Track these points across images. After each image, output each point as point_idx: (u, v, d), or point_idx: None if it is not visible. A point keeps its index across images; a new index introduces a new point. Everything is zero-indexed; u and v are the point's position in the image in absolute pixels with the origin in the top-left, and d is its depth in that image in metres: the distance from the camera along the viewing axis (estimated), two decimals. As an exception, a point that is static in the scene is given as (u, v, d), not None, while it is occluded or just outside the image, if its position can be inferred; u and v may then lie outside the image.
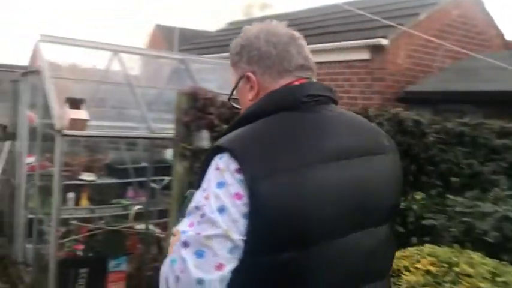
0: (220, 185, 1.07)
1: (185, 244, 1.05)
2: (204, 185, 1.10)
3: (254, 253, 1.05)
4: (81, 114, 3.71)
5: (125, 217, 5.30)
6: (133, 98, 5.04)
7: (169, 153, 6.38)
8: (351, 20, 8.38)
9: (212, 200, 1.06)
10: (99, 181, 5.54)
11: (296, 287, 1.10)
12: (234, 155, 1.07)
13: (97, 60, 5.31)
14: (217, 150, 1.12)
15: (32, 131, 5.21)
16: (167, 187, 5.53)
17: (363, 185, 1.17)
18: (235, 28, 12.70)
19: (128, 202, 5.68)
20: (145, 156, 6.31)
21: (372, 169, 1.20)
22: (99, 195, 5.62)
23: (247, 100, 1.29)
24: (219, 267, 1.03)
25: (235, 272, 1.05)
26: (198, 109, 3.51)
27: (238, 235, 1.04)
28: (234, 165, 1.07)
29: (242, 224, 1.04)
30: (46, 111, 4.31)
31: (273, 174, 1.06)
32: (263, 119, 1.17)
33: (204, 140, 3.48)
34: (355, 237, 1.15)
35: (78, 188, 5.37)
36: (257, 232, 1.04)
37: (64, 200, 4.96)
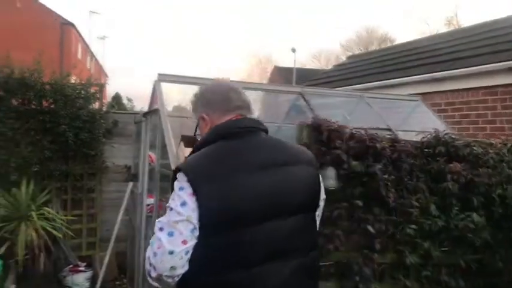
0: (181, 189, 1.62)
1: (160, 229, 1.60)
2: (172, 193, 1.65)
3: (204, 236, 1.58)
4: None
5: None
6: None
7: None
8: (484, 43, 7.43)
9: (176, 199, 1.61)
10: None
11: (234, 259, 1.60)
12: (185, 172, 1.63)
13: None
14: (176, 171, 1.68)
15: (152, 172, 5.17)
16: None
17: (276, 186, 1.68)
18: (353, 62, 12.24)
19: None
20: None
21: (286, 176, 1.72)
22: None
23: (204, 133, 1.86)
24: (184, 242, 1.57)
25: (194, 249, 1.59)
26: (322, 143, 3.07)
27: (195, 220, 1.58)
28: (186, 177, 1.62)
29: (196, 213, 1.58)
30: (164, 151, 4.18)
31: (210, 180, 1.61)
32: (209, 146, 1.73)
33: (329, 178, 3.00)
34: (274, 224, 1.65)
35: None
36: (204, 220, 1.57)
37: None
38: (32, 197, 5.57)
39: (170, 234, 1.58)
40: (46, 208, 5.55)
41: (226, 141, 1.73)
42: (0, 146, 5.54)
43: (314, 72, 15.43)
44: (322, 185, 1.88)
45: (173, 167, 3.73)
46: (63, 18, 29.10)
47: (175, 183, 1.66)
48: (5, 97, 5.54)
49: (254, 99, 5.99)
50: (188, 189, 1.60)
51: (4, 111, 5.54)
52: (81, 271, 5.82)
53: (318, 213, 1.90)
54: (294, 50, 29.73)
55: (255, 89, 5.37)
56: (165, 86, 4.77)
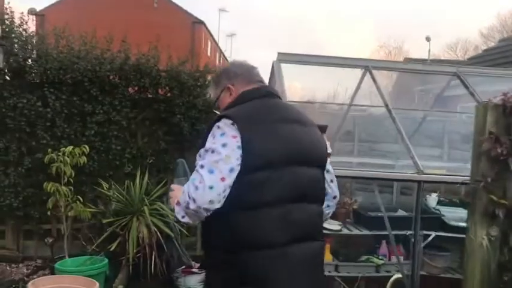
0: (222, 134, 1.83)
1: (201, 166, 1.79)
2: (209, 138, 1.87)
3: (244, 172, 1.77)
4: None
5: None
6: (391, 127, 3.79)
7: (431, 200, 4.98)
8: None
9: (217, 142, 1.81)
10: (345, 231, 4.43)
11: (265, 195, 1.80)
12: (228, 117, 1.85)
13: (343, 80, 4.28)
14: (217, 119, 1.89)
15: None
16: (435, 246, 4.15)
17: (299, 138, 1.93)
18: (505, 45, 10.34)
19: (380, 261, 4.41)
20: (403, 201, 5.01)
21: (307, 132, 1.98)
22: (346, 249, 4.63)
23: (226, 102, 2.10)
24: (223, 179, 1.75)
25: (234, 184, 1.78)
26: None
27: (235, 159, 1.77)
28: (229, 122, 1.84)
29: (238, 152, 1.78)
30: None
31: (251, 126, 1.84)
32: (242, 104, 1.99)
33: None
34: (301, 169, 1.88)
35: (320, 238, 4.38)
36: (245, 159, 1.77)
37: None
38: (146, 191, 5.22)
39: (210, 171, 1.75)
40: (160, 203, 5.15)
41: (259, 100, 1.98)
42: (114, 136, 5.28)
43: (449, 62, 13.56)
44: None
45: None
46: (194, 16, 30.17)
47: (216, 129, 1.85)
48: (119, 84, 5.25)
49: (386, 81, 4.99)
50: (231, 132, 1.80)
51: (119, 100, 5.26)
52: (194, 273, 5.34)
53: (331, 177, 2.10)
54: (428, 39, 27.25)
55: (395, 70, 4.35)
56: (286, 68, 4.01)
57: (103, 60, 5.19)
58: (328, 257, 4.40)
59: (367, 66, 4.03)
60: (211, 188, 1.71)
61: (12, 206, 5.06)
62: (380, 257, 4.50)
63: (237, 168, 1.75)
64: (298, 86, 4.29)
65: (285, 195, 1.81)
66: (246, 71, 2.10)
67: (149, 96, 5.48)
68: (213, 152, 1.77)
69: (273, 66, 3.99)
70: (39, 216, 5.12)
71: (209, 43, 33.47)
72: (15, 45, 4.99)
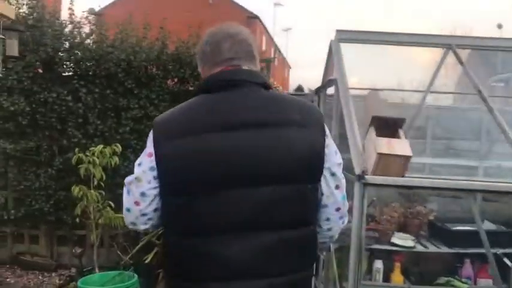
0: (145, 148, 1.53)
1: (126, 184, 1.55)
2: None
3: (163, 195, 1.49)
4: (400, 146, 1.94)
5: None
6: (474, 120, 3.00)
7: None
8: None
9: (139, 158, 1.54)
10: (420, 248, 3.64)
11: (191, 224, 1.46)
12: (153, 128, 1.51)
13: (417, 62, 3.50)
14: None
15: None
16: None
17: (246, 150, 1.42)
18: None
19: (465, 285, 3.62)
20: (488, 210, 4.08)
21: (264, 138, 1.44)
22: (420, 268, 3.85)
23: None
24: (136, 203, 1.51)
25: (159, 209, 1.53)
26: None
27: (146, 183, 1.48)
28: (151, 134, 1.50)
29: (150, 175, 1.47)
30: (342, 141, 2.73)
31: (172, 138, 1.45)
32: (187, 101, 1.58)
33: None
34: (239, 192, 1.42)
35: (389, 255, 3.68)
36: (161, 180, 1.47)
37: (368, 271, 3.58)
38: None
39: (127, 192, 1.55)
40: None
41: (203, 96, 1.53)
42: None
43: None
44: (329, 150, 1.51)
45: (357, 165, 2.24)
46: (249, 11, 29.90)
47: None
48: (157, 76, 4.71)
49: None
50: (149, 149, 1.50)
51: (157, 93, 4.72)
52: None
53: (337, 183, 1.54)
54: (500, 26, 25.22)
55: (493, 48, 3.50)
56: (347, 49, 3.29)
57: (138, 49, 4.68)
58: (398, 279, 3.66)
59: (450, 44, 3.22)
60: (128, 210, 1.55)
61: (43, 210, 4.67)
62: (464, 280, 3.68)
63: (151, 193, 1.49)
64: (362, 70, 3.54)
65: (212, 225, 1.45)
66: (211, 50, 1.56)
67: (190, 88, 4.91)
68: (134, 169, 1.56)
69: (330, 47, 3.28)
70: (72, 222, 4.69)
71: (264, 38, 33.03)
72: (46, 35, 4.56)
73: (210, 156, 1.41)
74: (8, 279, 4.68)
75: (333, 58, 3.24)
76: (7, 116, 4.60)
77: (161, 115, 1.56)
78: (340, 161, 1.54)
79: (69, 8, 4.82)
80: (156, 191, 1.48)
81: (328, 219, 1.57)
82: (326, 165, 1.49)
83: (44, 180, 4.66)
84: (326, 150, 1.48)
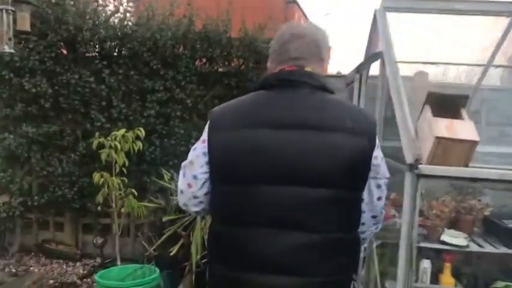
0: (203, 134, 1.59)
1: (181, 167, 1.63)
2: None
3: (211, 180, 1.54)
4: (464, 129, 1.54)
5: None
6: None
7: None
8: None
9: (195, 144, 1.60)
10: (474, 247, 3.20)
11: (231, 213, 1.51)
12: (211, 116, 1.57)
13: (475, 33, 3.03)
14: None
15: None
16: None
17: (288, 149, 1.43)
18: None
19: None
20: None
21: (308, 140, 1.44)
22: (474, 270, 3.41)
23: None
24: (189, 185, 1.57)
25: (209, 193, 1.58)
26: None
27: (198, 167, 1.53)
28: (208, 123, 1.56)
29: (202, 160, 1.52)
30: (390, 123, 2.33)
31: (224, 130, 1.50)
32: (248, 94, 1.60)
33: None
34: (275, 189, 1.44)
35: (438, 255, 3.25)
36: (211, 167, 1.52)
37: (415, 272, 3.07)
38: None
39: (182, 174, 1.60)
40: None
41: (260, 92, 1.55)
42: (178, 117, 4.44)
43: None
44: (378, 162, 1.50)
45: (408, 152, 1.83)
46: (286, -4, 29.24)
47: None
48: (184, 55, 4.39)
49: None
50: (203, 136, 1.56)
51: (183, 74, 4.40)
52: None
53: (379, 194, 1.56)
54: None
55: None
56: (393, 19, 2.86)
57: (164, 27, 4.36)
58: (449, 281, 3.23)
59: (516, 12, 2.73)
60: (181, 192, 1.62)
61: (66, 197, 4.47)
62: (526, 286, 3.21)
63: (203, 177, 1.55)
64: (410, 44, 3.09)
65: (248, 217, 1.49)
66: (279, 48, 1.59)
67: (219, 69, 4.57)
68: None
69: (374, 17, 2.85)
70: (97, 210, 4.46)
71: (302, 22, 32.32)
72: (68, 13, 4.31)
73: (252, 151, 1.46)
74: (31, 267, 4.53)
75: (377, 29, 2.81)
76: (30, 98, 4.40)
77: (219, 106, 1.62)
78: (388, 175, 1.55)
79: None
80: (207, 176, 1.54)
81: (363, 224, 1.58)
82: (372, 175, 1.50)
83: (67, 166, 4.45)
84: (374, 161, 1.48)
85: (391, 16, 2.82)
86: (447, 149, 1.78)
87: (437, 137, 1.79)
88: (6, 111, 4.44)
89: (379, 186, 1.52)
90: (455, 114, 1.95)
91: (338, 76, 4.71)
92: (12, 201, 4.49)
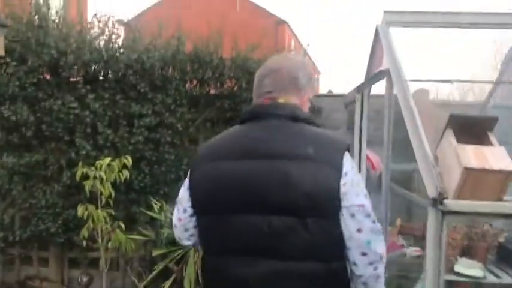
0: None
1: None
2: None
3: (195, 214, 1.61)
4: (495, 157, 1.30)
5: None
6: None
7: None
8: None
9: None
10: (491, 278, 2.94)
11: (210, 243, 1.61)
12: (197, 152, 1.68)
13: (487, 47, 2.79)
14: None
15: (373, 183, 3.13)
16: None
17: (255, 179, 1.48)
18: None
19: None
20: None
21: (273, 170, 1.47)
22: None
23: None
24: (179, 219, 1.66)
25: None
26: None
27: (185, 201, 1.61)
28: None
29: (187, 194, 1.60)
30: (401, 147, 2.09)
31: (200, 164, 1.59)
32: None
33: None
34: (245, 218, 1.49)
35: (450, 286, 2.94)
36: (192, 201, 1.59)
37: None
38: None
39: (176, 209, 1.68)
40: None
41: (237, 126, 1.64)
42: (168, 142, 4.17)
43: None
44: (347, 189, 1.45)
45: (430, 185, 1.58)
46: (277, 17, 29.38)
47: None
48: (173, 78, 4.15)
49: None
50: (189, 171, 1.63)
51: (173, 97, 4.16)
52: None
53: (358, 226, 1.46)
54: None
55: None
56: (397, 34, 2.65)
57: (152, 48, 4.13)
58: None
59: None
60: (175, 226, 1.70)
61: (50, 231, 4.16)
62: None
63: (190, 210, 1.62)
64: (415, 59, 2.86)
65: (219, 246, 1.57)
66: (257, 83, 1.68)
67: (211, 92, 4.34)
68: None
69: (376, 32, 2.63)
70: (83, 243, 4.15)
71: (293, 43, 32.42)
72: (50, 36, 4.06)
73: (223, 181, 1.52)
74: (13, 308, 4.21)
75: (380, 45, 2.59)
76: (10, 126, 4.13)
77: (204, 143, 1.75)
78: (362, 203, 1.47)
79: (94, 15, 4.32)
80: (192, 210, 1.61)
81: (355, 264, 1.50)
82: (344, 204, 1.45)
83: (51, 198, 4.16)
84: (343, 189, 1.44)
85: (393, 31, 2.60)
86: (478, 181, 1.54)
87: (466, 168, 1.53)
88: (-15, 141, 4.17)
89: (352, 216, 1.44)
90: (482, 139, 1.70)
91: (335, 96, 4.49)
92: (-9, 236, 4.19)
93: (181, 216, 1.63)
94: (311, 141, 1.50)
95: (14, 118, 4.03)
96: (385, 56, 2.37)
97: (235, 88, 4.33)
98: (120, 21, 4.63)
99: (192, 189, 1.57)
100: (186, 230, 1.65)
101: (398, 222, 3.78)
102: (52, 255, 4.46)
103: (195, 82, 4.34)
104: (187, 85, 4.32)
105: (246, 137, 1.55)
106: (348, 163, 1.47)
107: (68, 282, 4.50)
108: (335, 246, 1.47)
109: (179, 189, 4.23)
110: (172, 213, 4.12)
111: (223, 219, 1.52)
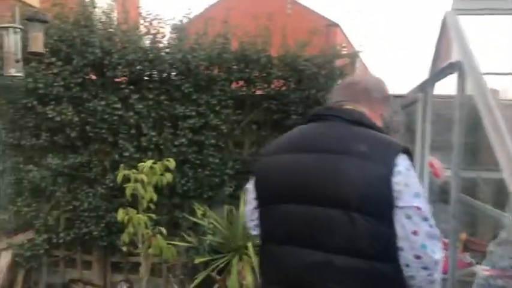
0: None
1: None
2: None
3: (257, 205, 1.69)
4: None
5: None
6: None
7: None
8: None
9: None
10: None
11: (266, 232, 1.67)
12: None
13: None
14: None
15: (438, 192, 2.81)
16: None
17: (307, 171, 1.54)
18: None
19: None
20: None
21: (323, 163, 1.52)
22: None
23: None
24: (247, 210, 1.75)
25: None
26: None
27: (250, 194, 1.70)
28: None
29: (251, 186, 1.69)
30: (472, 150, 1.80)
31: (263, 158, 1.71)
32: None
33: None
34: (293, 208, 1.55)
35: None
36: (255, 192, 1.68)
37: None
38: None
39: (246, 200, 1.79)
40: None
41: (302, 125, 1.71)
42: (212, 145, 3.98)
43: None
44: (402, 188, 1.42)
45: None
46: (328, 19, 29.00)
47: None
48: (218, 77, 3.97)
49: None
50: (255, 165, 1.77)
51: (218, 98, 3.97)
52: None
53: (407, 226, 1.41)
54: None
55: None
56: (468, 23, 2.33)
57: (197, 47, 3.96)
58: None
59: None
60: (246, 216, 1.80)
61: (93, 234, 4.07)
62: None
63: (254, 202, 1.69)
64: (488, 51, 2.52)
65: (277, 235, 1.63)
66: (334, 92, 1.80)
67: (258, 92, 4.12)
68: None
69: (444, 21, 2.31)
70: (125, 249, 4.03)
71: (344, 45, 31.85)
72: (95, 34, 3.99)
73: (278, 173, 1.61)
74: (56, 311, 4.15)
75: (447, 36, 2.27)
76: (55, 127, 4.08)
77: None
78: (419, 205, 1.42)
79: (143, 17, 4.24)
80: (255, 201, 1.69)
81: (407, 266, 1.45)
82: (398, 204, 1.42)
83: (94, 200, 4.07)
84: (396, 187, 1.42)
85: (466, 19, 2.28)
86: None
87: None
88: (31, 141, 4.14)
89: (409, 217, 1.41)
90: None
91: (395, 96, 4.14)
92: (36, 238, 4.15)
93: (247, 207, 1.74)
94: (366, 140, 1.52)
95: (58, 119, 3.98)
96: (455, 47, 2.06)
97: (283, 88, 4.09)
98: (167, 22, 4.48)
99: (254, 178, 1.67)
100: (252, 220, 1.73)
101: (463, 236, 3.40)
102: (95, 258, 4.38)
103: (241, 82, 4.14)
104: (232, 85, 4.13)
105: (305, 134, 1.64)
106: (404, 163, 1.44)
107: (111, 286, 4.41)
108: (381, 246, 1.44)
109: (223, 193, 4.07)
110: (215, 220, 3.98)
111: (274, 209, 1.60)
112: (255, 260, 3.53)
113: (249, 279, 3.51)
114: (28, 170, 4.12)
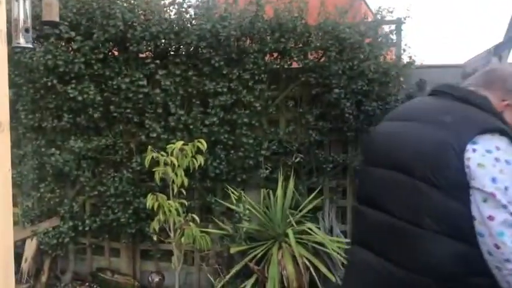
0: None
1: None
2: None
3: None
4: None
5: None
6: None
7: None
8: None
9: None
10: None
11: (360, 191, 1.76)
12: None
13: None
14: None
15: None
16: None
17: (393, 137, 1.59)
18: None
19: None
20: None
21: (404, 129, 1.56)
22: None
23: None
24: None
25: None
26: None
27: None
28: None
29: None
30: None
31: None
32: None
33: None
34: (376, 170, 1.60)
35: None
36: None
37: None
38: (291, 205, 3.56)
39: None
40: (309, 224, 3.42)
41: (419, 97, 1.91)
42: (246, 124, 3.67)
43: None
44: (476, 168, 1.34)
45: None
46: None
47: None
48: (251, 49, 3.62)
49: None
50: None
51: (251, 72, 3.64)
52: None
53: (483, 209, 1.33)
54: None
55: None
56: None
57: (227, 15, 3.61)
58: None
59: None
60: None
61: (120, 221, 3.83)
62: None
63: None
64: None
65: (361, 195, 1.73)
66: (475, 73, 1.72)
67: (294, 64, 3.75)
68: None
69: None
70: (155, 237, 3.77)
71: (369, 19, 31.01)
72: (116, 6, 3.67)
73: (377, 138, 1.69)
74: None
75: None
76: (77, 108, 3.82)
77: None
78: (496, 192, 1.30)
79: None
80: None
81: (490, 254, 1.31)
82: (473, 184, 1.34)
83: (120, 185, 3.82)
84: (467, 163, 1.34)
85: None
86: None
87: None
88: (52, 123, 3.90)
89: (485, 200, 1.32)
90: None
91: (445, 66, 3.73)
92: (60, 225, 3.93)
93: None
94: (455, 113, 1.47)
95: (80, 98, 3.71)
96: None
97: (323, 59, 3.71)
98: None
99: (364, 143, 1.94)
100: None
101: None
102: (123, 246, 4.14)
103: (275, 54, 3.78)
104: (266, 58, 3.76)
105: (413, 104, 1.71)
106: (487, 144, 1.34)
107: (140, 275, 4.18)
108: (449, 220, 1.38)
109: (258, 176, 3.75)
110: (251, 205, 3.69)
111: (367, 172, 1.66)
112: (295, 248, 3.24)
113: (290, 269, 3.22)
114: (50, 154, 3.89)
